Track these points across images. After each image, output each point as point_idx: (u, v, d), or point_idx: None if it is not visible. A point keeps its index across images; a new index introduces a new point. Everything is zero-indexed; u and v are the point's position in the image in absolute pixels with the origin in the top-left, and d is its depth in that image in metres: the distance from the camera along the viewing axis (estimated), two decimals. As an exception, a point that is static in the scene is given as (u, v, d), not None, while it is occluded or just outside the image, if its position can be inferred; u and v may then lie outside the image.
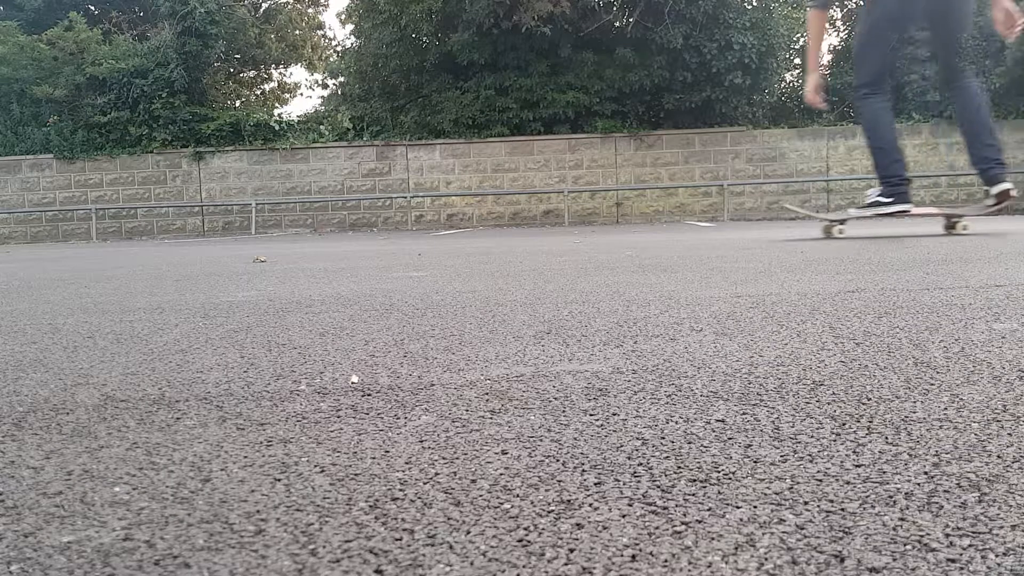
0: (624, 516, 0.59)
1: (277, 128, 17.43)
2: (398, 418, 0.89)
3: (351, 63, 18.59)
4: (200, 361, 1.28)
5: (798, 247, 3.82)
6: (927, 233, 4.69)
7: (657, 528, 0.57)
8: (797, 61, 18.97)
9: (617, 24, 16.63)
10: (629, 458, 0.72)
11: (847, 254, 3.24)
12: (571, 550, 0.53)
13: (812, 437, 0.77)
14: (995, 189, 4.42)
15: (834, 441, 0.76)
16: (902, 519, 0.57)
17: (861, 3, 18.55)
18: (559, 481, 0.67)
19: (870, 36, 4.65)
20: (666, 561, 0.51)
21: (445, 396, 0.99)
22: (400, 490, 0.66)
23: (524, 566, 0.51)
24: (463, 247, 5.62)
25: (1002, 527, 0.55)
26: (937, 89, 15.82)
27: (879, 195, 4.56)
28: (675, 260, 3.36)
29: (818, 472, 0.67)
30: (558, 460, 0.73)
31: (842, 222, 4.84)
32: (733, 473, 0.68)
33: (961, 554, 0.51)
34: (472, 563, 0.52)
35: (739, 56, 15.58)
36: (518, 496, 0.64)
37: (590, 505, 0.61)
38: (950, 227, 4.73)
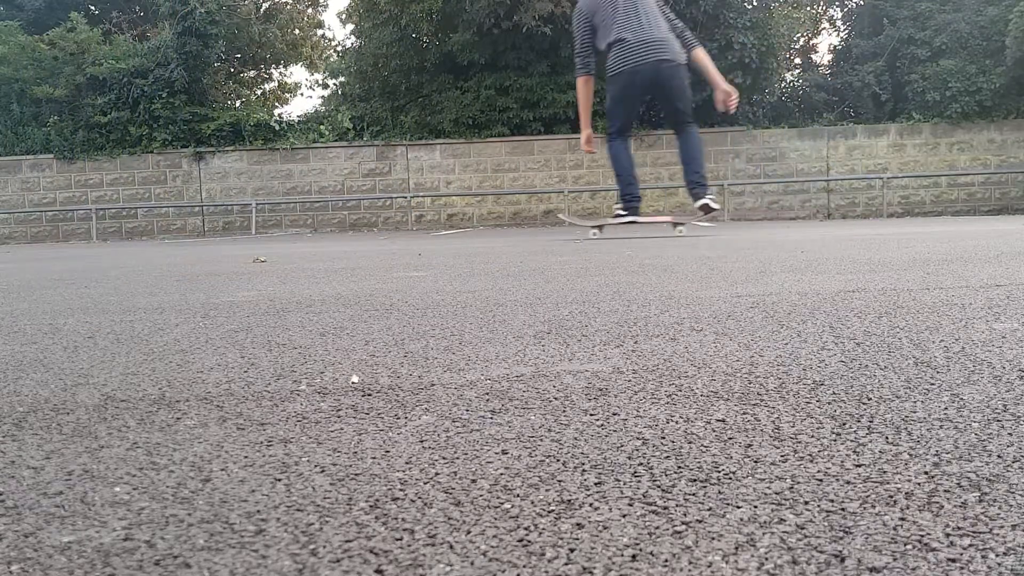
0: (624, 516, 0.59)
1: (277, 128, 17.42)
2: (398, 418, 0.89)
3: (351, 63, 18.59)
4: (200, 361, 1.28)
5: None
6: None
7: (657, 528, 0.57)
8: (797, 61, 18.98)
9: (617, 24, 16.62)
10: (629, 458, 0.72)
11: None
12: (571, 550, 0.53)
13: (812, 437, 0.77)
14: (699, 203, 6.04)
15: (834, 441, 0.76)
16: (902, 519, 0.57)
17: (860, 2, 18.58)
18: (559, 481, 0.67)
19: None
20: (666, 561, 0.51)
21: (445, 396, 0.99)
22: (400, 490, 0.66)
23: (524, 566, 0.51)
24: (463, 247, 5.62)
25: (1002, 527, 0.55)
26: (937, 89, 15.83)
27: (620, 209, 6.29)
28: (675, 260, 3.36)
29: (818, 472, 0.67)
30: (558, 460, 0.73)
31: (600, 228, 6.66)
32: (733, 473, 0.68)
33: (961, 554, 0.51)
34: (472, 563, 0.52)
35: (739, 56, 15.58)
36: (518, 496, 0.64)
37: (590, 505, 0.61)
38: (678, 224, 6.60)
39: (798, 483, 0.65)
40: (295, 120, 18.38)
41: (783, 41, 16.69)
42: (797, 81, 19.05)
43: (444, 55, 16.95)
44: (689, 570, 0.50)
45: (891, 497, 0.61)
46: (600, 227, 6.71)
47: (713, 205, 5.94)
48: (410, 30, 17.10)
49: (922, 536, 0.54)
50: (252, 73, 20.73)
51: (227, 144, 17.01)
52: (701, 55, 6.22)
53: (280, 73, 21.51)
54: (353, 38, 19.17)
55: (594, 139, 6.51)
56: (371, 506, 0.63)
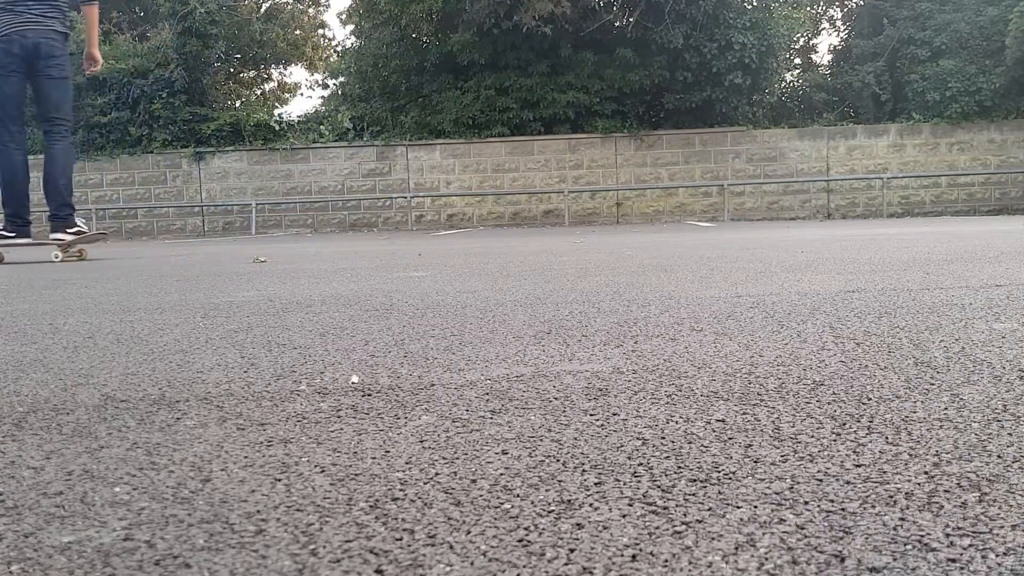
0: (624, 516, 0.59)
1: (277, 128, 17.41)
2: (398, 418, 0.89)
3: (351, 63, 18.58)
4: (200, 361, 1.28)
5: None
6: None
7: (657, 528, 0.57)
8: (797, 61, 18.98)
9: (617, 24, 16.62)
10: (629, 458, 0.72)
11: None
12: (571, 550, 0.53)
13: (812, 437, 0.77)
14: (61, 235, 5.35)
15: (834, 441, 0.76)
16: (902, 519, 0.57)
17: (860, 3, 18.59)
18: (559, 481, 0.67)
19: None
20: (666, 561, 0.51)
21: (445, 396, 0.99)
22: (400, 490, 0.66)
23: (524, 566, 0.51)
24: (463, 247, 5.62)
25: (1002, 527, 0.55)
26: (937, 89, 15.84)
27: (3, 229, 5.43)
28: (675, 260, 3.36)
29: (818, 472, 0.67)
30: (558, 460, 0.73)
31: None
32: (733, 473, 0.68)
33: (961, 554, 0.51)
34: (472, 563, 0.52)
35: (739, 56, 15.57)
36: (518, 496, 0.64)
37: (590, 505, 0.61)
38: (68, 253, 5.38)
39: (798, 483, 0.65)
40: (295, 120, 18.37)
41: (783, 41, 16.68)
42: (797, 81, 19.05)
43: (444, 55, 16.94)
44: (689, 570, 0.50)
45: (891, 497, 0.61)
46: None
47: (66, 238, 5.32)
48: (410, 30, 17.10)
49: (922, 536, 0.54)
50: (252, 73, 20.72)
51: (227, 144, 16.99)
52: (94, 12, 5.84)
53: (280, 73, 21.51)
54: (353, 38, 19.17)
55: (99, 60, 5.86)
56: (371, 506, 0.63)
